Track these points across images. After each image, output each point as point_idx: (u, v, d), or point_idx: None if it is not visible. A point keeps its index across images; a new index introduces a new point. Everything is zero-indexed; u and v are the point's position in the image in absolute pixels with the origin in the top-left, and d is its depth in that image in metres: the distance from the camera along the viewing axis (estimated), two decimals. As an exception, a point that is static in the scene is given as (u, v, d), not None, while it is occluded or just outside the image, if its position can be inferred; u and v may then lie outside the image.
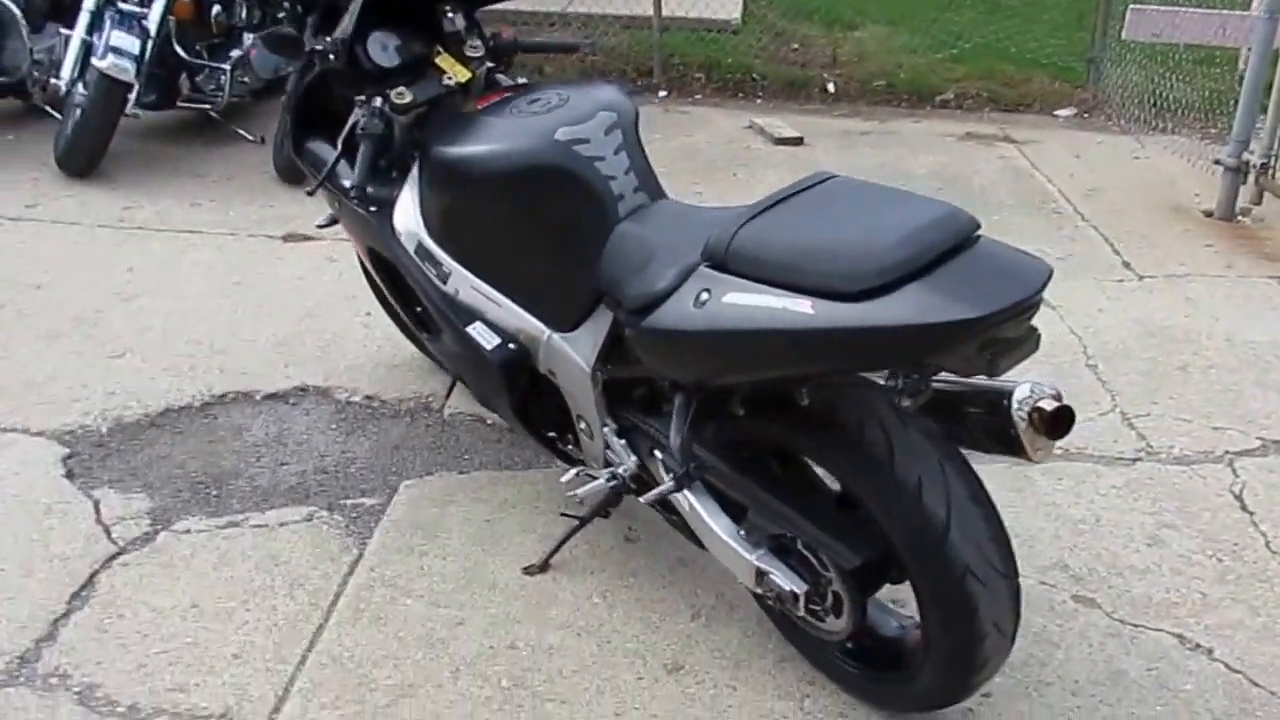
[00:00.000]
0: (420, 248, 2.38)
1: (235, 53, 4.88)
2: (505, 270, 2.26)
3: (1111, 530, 2.60)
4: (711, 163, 4.78)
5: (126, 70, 4.36)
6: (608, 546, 2.48)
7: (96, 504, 2.61)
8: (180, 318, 3.45)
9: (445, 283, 2.35)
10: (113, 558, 2.44)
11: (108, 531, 2.52)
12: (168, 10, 4.65)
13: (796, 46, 5.94)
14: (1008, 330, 1.56)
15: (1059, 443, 1.76)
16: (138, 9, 4.54)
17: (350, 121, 2.39)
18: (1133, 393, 3.17)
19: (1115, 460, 2.87)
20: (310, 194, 2.47)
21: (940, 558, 1.72)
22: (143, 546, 2.48)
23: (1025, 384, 1.75)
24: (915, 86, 5.55)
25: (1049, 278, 1.59)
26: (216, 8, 4.95)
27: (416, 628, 2.25)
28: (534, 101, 2.22)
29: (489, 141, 2.16)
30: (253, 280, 3.68)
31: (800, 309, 1.61)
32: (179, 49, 4.81)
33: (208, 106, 4.96)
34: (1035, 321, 1.63)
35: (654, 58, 5.76)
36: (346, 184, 2.41)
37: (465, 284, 2.31)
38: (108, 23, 4.45)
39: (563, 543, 2.41)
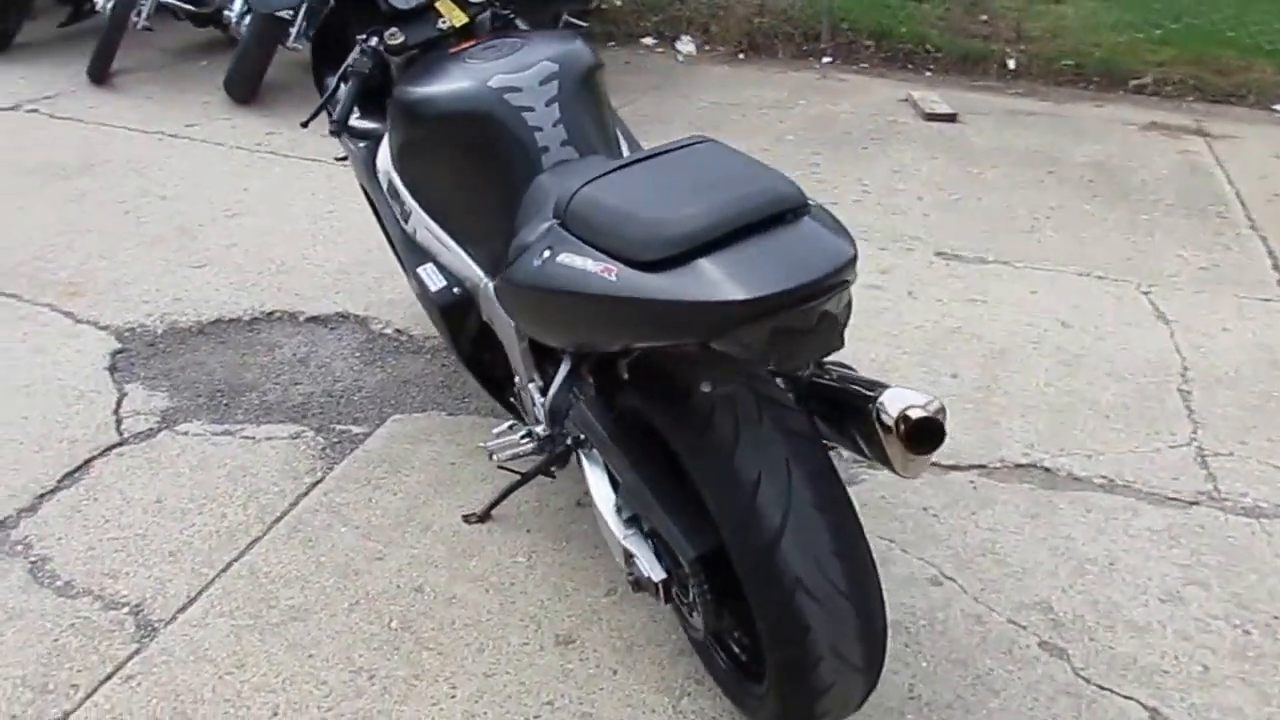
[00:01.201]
0: (390, 185, 2.40)
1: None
2: (449, 214, 2.25)
3: (1124, 577, 2.32)
4: (845, 134, 4.56)
5: (280, 6, 4.62)
6: (556, 508, 2.44)
7: (121, 397, 2.82)
8: (266, 237, 3.65)
9: (406, 222, 2.37)
10: (112, 447, 2.63)
11: (119, 423, 2.72)
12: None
13: (985, 18, 5.54)
14: (793, 319, 1.43)
15: (935, 459, 1.60)
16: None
17: (348, 60, 2.44)
18: (1222, 427, 2.79)
19: (1166, 500, 2.54)
20: (304, 126, 2.53)
21: (768, 565, 1.59)
22: (142, 441, 2.66)
23: (902, 388, 1.59)
24: (1108, 68, 5.06)
25: (845, 264, 1.44)
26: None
27: (339, 556, 2.31)
28: (490, 48, 2.20)
29: (432, 84, 2.15)
30: (344, 209, 3.84)
31: (607, 275, 1.54)
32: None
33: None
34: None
35: (823, 22, 5.54)
36: (312, 118, 2.46)
37: (422, 224, 2.32)
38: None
39: (502, 497, 2.39)
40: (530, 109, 2.04)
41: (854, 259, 1.47)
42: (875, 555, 2.31)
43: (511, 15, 2.55)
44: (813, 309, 1.44)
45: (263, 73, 4.84)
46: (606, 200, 1.63)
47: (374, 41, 2.37)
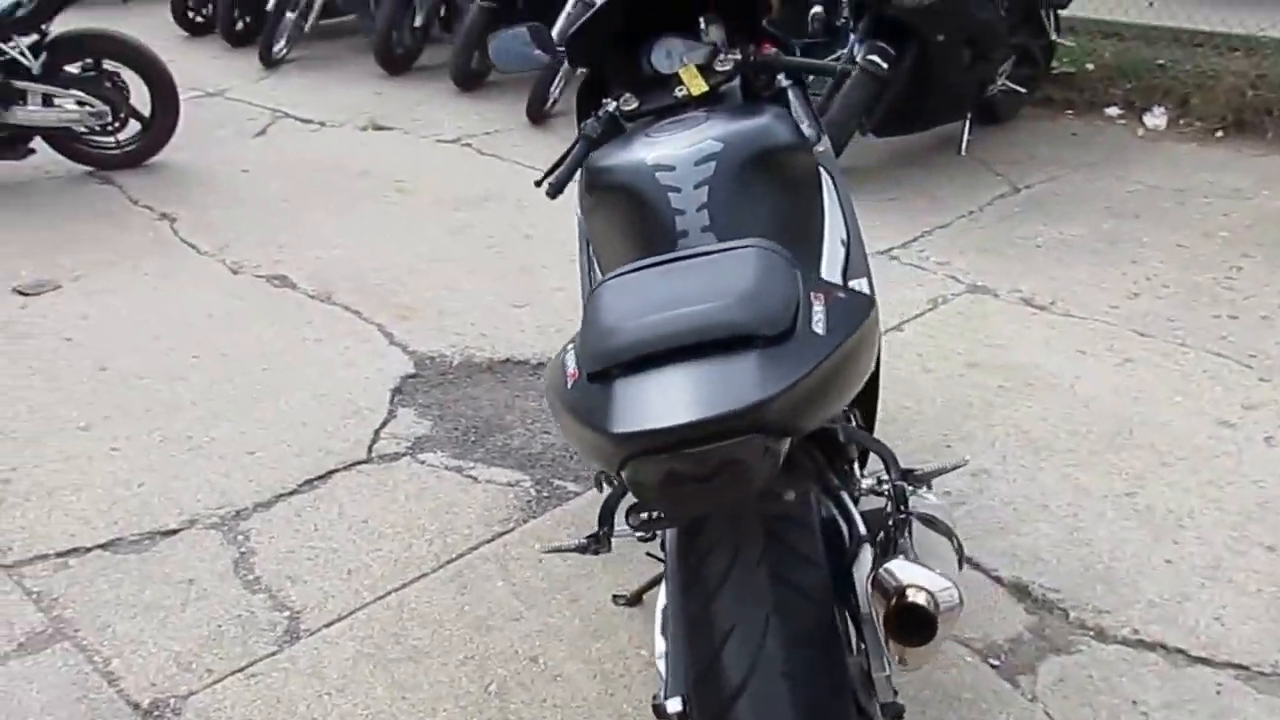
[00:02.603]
0: (588, 244, 2.49)
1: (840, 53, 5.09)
2: None
3: None
4: (1249, 227, 3.90)
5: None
6: (709, 607, 2.37)
7: (389, 419, 3.19)
8: (591, 285, 3.90)
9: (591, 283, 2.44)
10: (357, 464, 2.98)
11: (374, 442, 3.07)
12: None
13: None
14: (685, 464, 1.34)
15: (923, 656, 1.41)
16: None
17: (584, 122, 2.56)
18: None
19: None
20: (537, 185, 2.65)
21: None
22: (384, 463, 2.99)
23: (923, 566, 1.43)
24: None
25: (741, 411, 1.33)
26: (817, 8, 5.27)
27: (481, 609, 2.43)
28: (680, 121, 2.21)
29: (609, 152, 2.20)
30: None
31: (569, 382, 1.52)
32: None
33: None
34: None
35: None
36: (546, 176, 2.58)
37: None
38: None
39: (653, 583, 2.36)
40: (677, 189, 2.02)
41: (757, 406, 1.34)
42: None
43: (765, 82, 2.53)
44: (707, 455, 1.34)
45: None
46: (604, 299, 1.60)
47: (611, 106, 2.48)
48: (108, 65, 5.18)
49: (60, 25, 5.11)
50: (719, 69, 2.42)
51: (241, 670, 2.30)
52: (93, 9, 5.55)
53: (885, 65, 4.57)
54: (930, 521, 1.76)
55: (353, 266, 4.20)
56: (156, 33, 8.08)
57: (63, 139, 5.19)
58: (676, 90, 2.40)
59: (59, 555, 2.65)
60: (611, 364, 1.44)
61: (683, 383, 1.39)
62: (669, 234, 2.01)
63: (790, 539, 1.57)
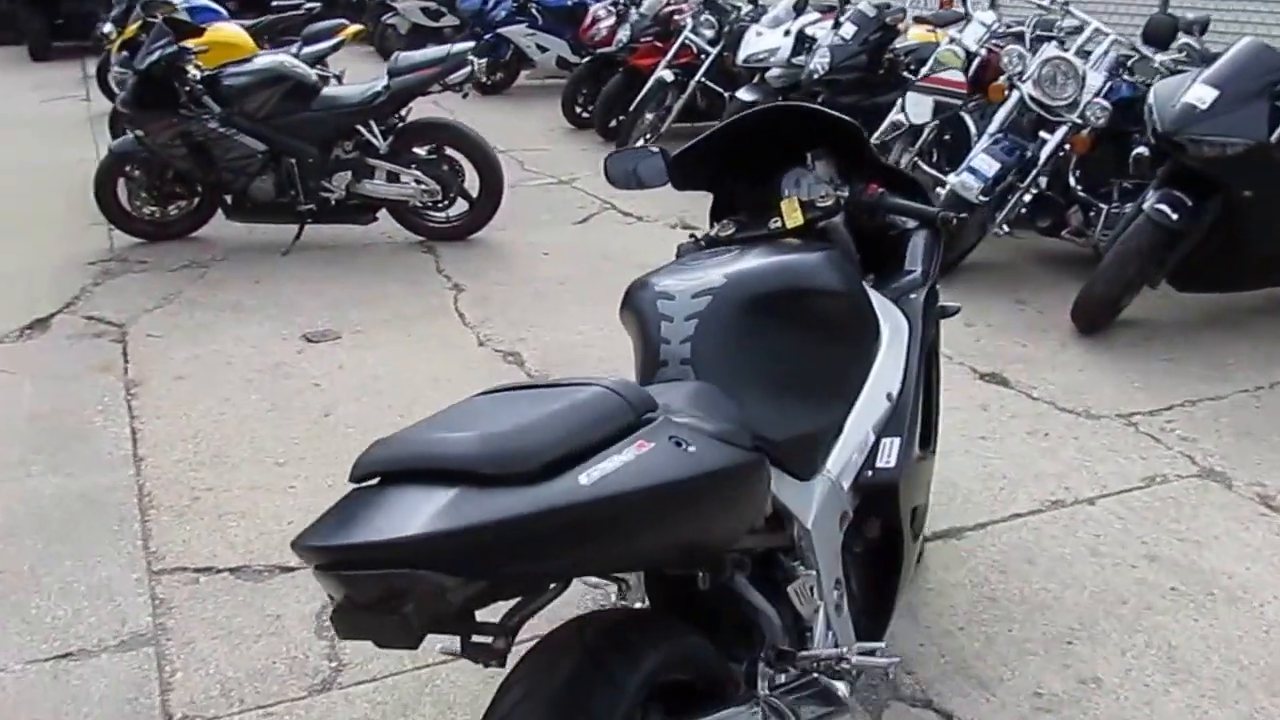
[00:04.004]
0: None
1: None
2: None
3: None
4: None
5: (970, 189, 4.67)
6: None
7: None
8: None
9: None
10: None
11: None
12: (1061, 143, 4.81)
13: None
14: (348, 587, 1.29)
15: None
16: (1020, 140, 4.81)
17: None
18: None
19: None
20: None
21: None
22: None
23: None
24: None
25: (398, 542, 1.25)
26: (1140, 149, 4.84)
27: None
28: (716, 253, 2.17)
29: (647, 273, 2.16)
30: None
31: None
32: (1072, 180, 4.92)
33: (1081, 241, 4.95)
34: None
35: None
36: None
37: None
38: (984, 142, 4.81)
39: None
40: (669, 319, 1.97)
41: (418, 540, 1.25)
42: None
43: (866, 219, 2.39)
44: (364, 581, 1.27)
45: (964, 253, 4.95)
46: (442, 411, 1.56)
47: (714, 230, 2.43)
48: (449, 151, 5.74)
49: (462, 113, 5.74)
50: (819, 204, 2.32)
51: (263, 708, 2.42)
52: (492, 99, 6.13)
53: (1175, 216, 4.09)
54: (779, 714, 1.56)
55: (580, 352, 4.34)
56: (545, 123, 8.91)
57: (401, 210, 5.79)
58: (771, 222, 2.33)
59: (195, 570, 2.93)
60: (363, 474, 1.41)
61: (381, 505, 1.34)
62: (654, 361, 1.97)
63: (581, 695, 1.44)
